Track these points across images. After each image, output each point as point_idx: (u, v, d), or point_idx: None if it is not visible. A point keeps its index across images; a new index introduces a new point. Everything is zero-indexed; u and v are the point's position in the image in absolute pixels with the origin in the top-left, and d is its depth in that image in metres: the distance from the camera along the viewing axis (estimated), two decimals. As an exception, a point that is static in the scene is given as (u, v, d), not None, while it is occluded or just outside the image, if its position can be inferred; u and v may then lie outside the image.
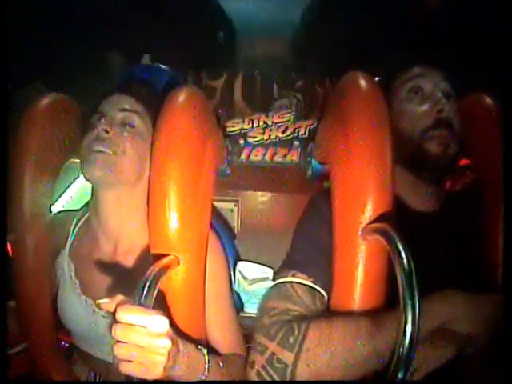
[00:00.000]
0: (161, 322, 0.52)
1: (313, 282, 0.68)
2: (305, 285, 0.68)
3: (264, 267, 1.06)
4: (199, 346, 0.64)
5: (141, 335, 0.51)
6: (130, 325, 0.51)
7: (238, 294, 1.01)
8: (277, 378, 0.61)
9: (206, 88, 2.39)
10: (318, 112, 2.41)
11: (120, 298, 0.55)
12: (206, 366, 0.64)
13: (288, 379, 0.60)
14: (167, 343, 0.52)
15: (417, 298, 0.48)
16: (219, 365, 0.68)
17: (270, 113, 1.20)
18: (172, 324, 0.65)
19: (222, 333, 0.77)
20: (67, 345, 0.91)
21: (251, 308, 1.09)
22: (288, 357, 0.60)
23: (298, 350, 0.60)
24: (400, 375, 0.48)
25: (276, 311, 0.66)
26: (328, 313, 0.65)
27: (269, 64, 2.44)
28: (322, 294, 0.68)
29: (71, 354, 0.90)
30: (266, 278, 1.13)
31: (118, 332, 0.51)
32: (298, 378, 0.60)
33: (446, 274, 0.64)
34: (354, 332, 0.58)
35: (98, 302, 0.56)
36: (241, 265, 0.97)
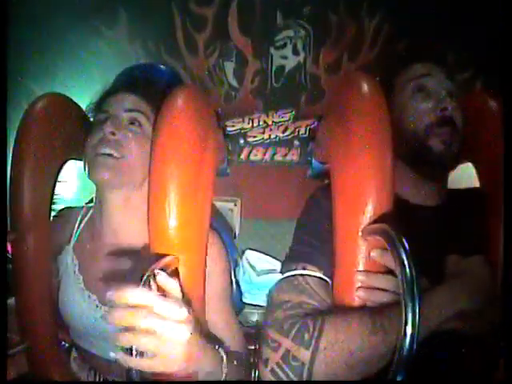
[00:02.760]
0: (182, 309, 0.48)
1: (324, 273, 0.68)
2: (316, 277, 0.67)
3: (273, 259, 1.05)
4: (216, 346, 0.63)
5: (156, 322, 0.45)
6: (144, 308, 0.46)
7: (238, 283, 1.01)
8: (293, 377, 0.59)
9: (195, 18, 2.18)
10: (329, 46, 2.18)
11: (130, 287, 0.49)
12: (224, 363, 0.62)
13: (305, 378, 0.58)
14: (189, 330, 0.48)
15: (417, 298, 0.48)
16: (233, 363, 0.67)
17: (270, 112, 1.20)
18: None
19: (221, 333, 0.77)
20: (67, 345, 0.91)
21: (252, 299, 1.08)
22: (304, 355, 0.58)
23: (314, 349, 0.58)
24: (400, 376, 0.48)
25: (289, 304, 0.65)
26: (341, 309, 0.63)
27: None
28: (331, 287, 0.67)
29: (70, 353, 0.90)
30: (273, 270, 1.12)
31: (125, 317, 0.44)
32: (315, 376, 0.58)
33: (446, 270, 0.64)
34: (370, 329, 0.57)
35: (107, 296, 0.48)
36: (250, 254, 0.96)
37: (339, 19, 2.16)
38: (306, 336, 0.59)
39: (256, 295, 1.10)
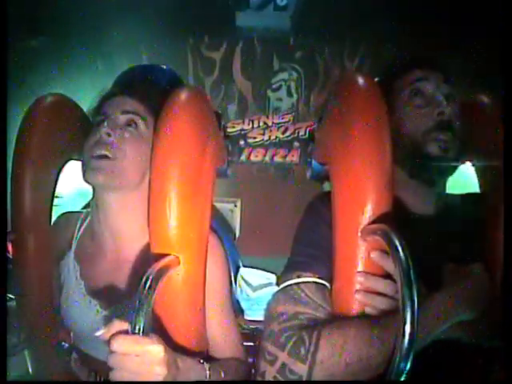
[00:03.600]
0: (155, 350, 0.53)
1: (319, 277, 0.68)
2: (312, 282, 0.67)
3: (267, 273, 1.06)
4: (201, 360, 0.65)
5: (136, 364, 0.52)
6: (126, 354, 0.52)
7: (239, 302, 1.01)
8: None
9: (205, 60, 2.44)
10: (318, 86, 2.42)
11: (116, 324, 0.55)
12: (208, 378, 0.64)
13: None
14: (163, 371, 0.53)
15: (416, 299, 0.48)
16: (220, 375, 0.68)
17: (271, 113, 1.20)
18: (172, 325, 0.65)
19: (221, 333, 0.77)
20: (67, 345, 0.91)
21: (253, 315, 1.09)
22: (301, 368, 0.59)
23: (311, 362, 0.59)
24: (399, 376, 0.48)
25: (285, 316, 0.65)
26: (338, 319, 0.63)
27: (268, 34, 2.41)
28: (330, 289, 0.67)
29: (71, 355, 0.90)
30: (269, 284, 1.13)
31: (114, 361, 0.53)
32: None
33: (445, 275, 0.64)
34: (367, 340, 0.58)
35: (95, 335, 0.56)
36: (244, 271, 0.97)
37: (325, 62, 2.46)
38: (303, 350, 0.60)
39: (257, 311, 1.11)
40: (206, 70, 2.47)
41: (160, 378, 0.53)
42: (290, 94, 2.49)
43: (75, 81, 2.03)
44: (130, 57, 2.27)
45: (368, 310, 0.61)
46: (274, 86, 2.48)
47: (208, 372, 0.64)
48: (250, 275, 1.03)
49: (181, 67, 2.40)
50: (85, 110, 0.89)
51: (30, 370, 0.86)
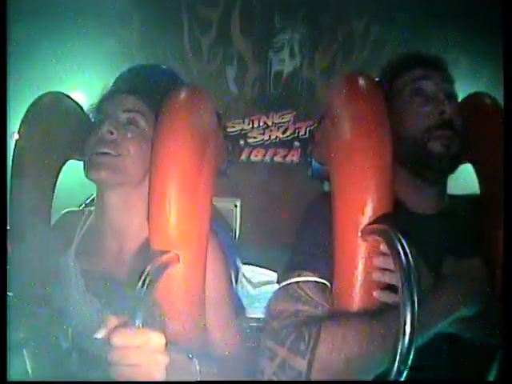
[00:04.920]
0: (156, 339, 0.53)
1: (320, 277, 0.68)
2: (312, 281, 0.67)
3: (268, 271, 1.06)
4: (190, 355, 0.64)
5: (137, 355, 0.52)
6: (125, 347, 0.52)
7: (240, 299, 1.01)
8: None
9: (202, 19, 2.24)
10: (323, 46, 2.23)
11: (113, 321, 0.55)
12: (197, 376, 0.64)
13: None
14: (165, 359, 0.53)
15: (416, 298, 0.48)
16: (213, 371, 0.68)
17: (271, 113, 1.20)
18: (171, 322, 0.65)
19: (221, 331, 0.77)
20: (66, 344, 0.91)
21: (254, 312, 1.09)
22: (301, 364, 0.59)
23: (310, 358, 0.58)
24: (399, 375, 0.48)
25: (286, 314, 0.65)
26: (338, 315, 0.63)
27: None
28: (331, 288, 0.67)
29: (71, 354, 0.90)
30: (270, 282, 1.13)
31: (114, 356, 0.52)
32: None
33: (445, 273, 0.64)
34: (367, 337, 0.58)
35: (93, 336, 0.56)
36: (245, 268, 0.97)
37: (331, 20, 2.22)
38: (302, 345, 0.59)
39: (258, 308, 1.11)
40: (202, 30, 2.26)
41: (161, 368, 0.53)
42: (292, 56, 2.28)
43: (66, 44, 1.96)
44: (120, 18, 2.12)
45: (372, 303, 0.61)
46: (275, 47, 2.27)
47: (198, 368, 0.64)
48: (251, 272, 1.03)
49: (175, 27, 2.21)
50: (85, 109, 0.89)
51: (30, 371, 0.86)
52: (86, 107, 0.88)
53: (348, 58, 2.22)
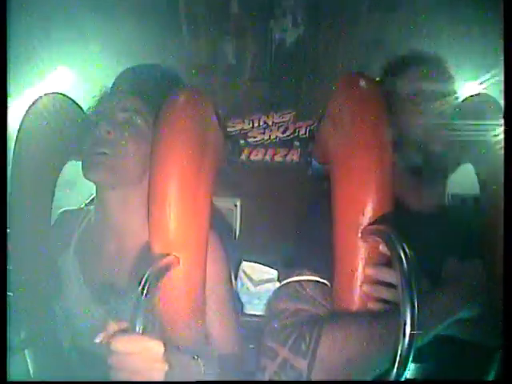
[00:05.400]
0: (155, 347, 0.53)
1: (320, 276, 0.68)
2: (312, 281, 0.67)
3: (269, 268, 1.06)
4: (195, 356, 0.65)
5: (136, 362, 0.52)
6: (125, 353, 0.52)
7: (240, 300, 1.01)
8: None
9: None
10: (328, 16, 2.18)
11: (113, 326, 0.55)
12: (203, 373, 0.64)
13: None
14: (163, 367, 0.53)
15: (416, 299, 0.48)
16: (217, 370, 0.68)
17: (271, 112, 1.20)
18: (172, 324, 0.65)
19: (221, 332, 0.77)
20: (66, 343, 0.91)
21: (252, 309, 1.09)
22: (302, 364, 0.59)
23: (311, 359, 0.59)
24: (399, 376, 0.48)
25: (286, 313, 0.65)
26: (339, 316, 0.64)
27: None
28: (331, 288, 0.68)
29: (71, 353, 0.90)
30: (270, 279, 1.13)
31: (114, 361, 0.52)
32: None
33: (445, 274, 0.64)
34: (368, 337, 0.58)
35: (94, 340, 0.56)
36: (246, 265, 0.97)
37: None
38: (303, 345, 0.60)
39: (257, 305, 1.11)
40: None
41: (161, 375, 0.53)
42: (295, 24, 2.10)
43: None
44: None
45: (372, 305, 0.61)
46: (276, 14, 2.09)
47: (203, 368, 0.64)
48: (252, 270, 1.03)
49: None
50: (84, 109, 0.89)
51: (31, 371, 0.86)
52: (85, 107, 0.88)
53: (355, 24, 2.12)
